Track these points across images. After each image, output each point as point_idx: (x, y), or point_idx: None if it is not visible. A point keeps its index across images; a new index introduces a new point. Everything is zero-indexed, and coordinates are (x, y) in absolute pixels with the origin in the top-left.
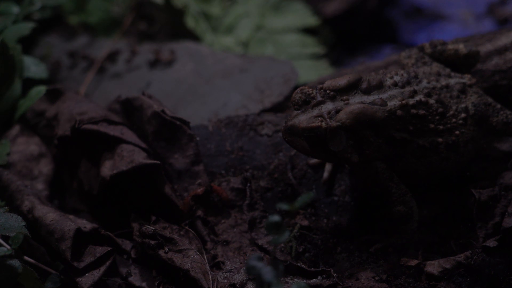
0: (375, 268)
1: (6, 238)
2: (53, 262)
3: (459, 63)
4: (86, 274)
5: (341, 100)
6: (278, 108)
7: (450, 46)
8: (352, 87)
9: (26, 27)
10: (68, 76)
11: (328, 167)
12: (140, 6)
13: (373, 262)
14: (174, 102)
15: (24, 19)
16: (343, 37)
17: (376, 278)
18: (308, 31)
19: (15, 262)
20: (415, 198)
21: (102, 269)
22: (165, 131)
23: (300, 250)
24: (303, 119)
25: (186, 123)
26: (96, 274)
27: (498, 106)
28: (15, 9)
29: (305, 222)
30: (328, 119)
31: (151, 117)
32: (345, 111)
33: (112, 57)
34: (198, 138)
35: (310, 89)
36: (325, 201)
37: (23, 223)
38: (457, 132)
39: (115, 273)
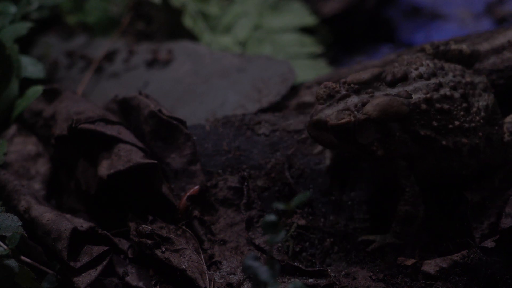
0: (372, 268)
1: (2, 238)
2: (50, 262)
3: (462, 63)
4: (83, 274)
5: (366, 93)
6: (275, 107)
7: (454, 47)
8: (375, 80)
9: (23, 27)
10: (66, 75)
11: (328, 154)
12: (138, 5)
13: (370, 262)
14: (171, 102)
15: (22, 19)
16: (341, 36)
17: (373, 278)
18: (306, 30)
19: (12, 262)
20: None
21: (99, 268)
22: (162, 131)
23: (297, 249)
24: (329, 113)
25: (183, 122)
26: (92, 274)
27: (501, 122)
28: (12, 9)
29: (302, 222)
30: (355, 112)
31: (148, 116)
32: (372, 104)
33: (110, 56)
34: (195, 138)
35: (334, 84)
36: (322, 201)
37: (20, 223)
38: (480, 133)
39: (112, 272)
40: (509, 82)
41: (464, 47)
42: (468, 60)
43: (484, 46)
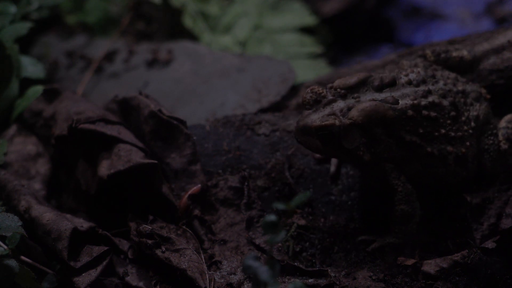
0: (372, 268)
1: (3, 238)
2: (50, 262)
3: (463, 69)
4: (83, 274)
5: (352, 98)
6: (275, 107)
7: (454, 54)
8: (362, 85)
9: (23, 27)
10: (66, 76)
11: (334, 161)
12: (138, 5)
13: (370, 262)
14: (171, 102)
15: (22, 19)
16: (341, 36)
17: (373, 277)
18: (306, 30)
19: (12, 262)
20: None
21: (99, 268)
22: (162, 131)
23: (297, 249)
24: (315, 118)
25: (183, 122)
26: (93, 274)
27: (495, 131)
28: (12, 9)
29: (302, 222)
30: (341, 117)
31: (148, 116)
32: (357, 108)
33: (110, 56)
34: (195, 138)
35: (321, 89)
36: (322, 201)
37: (20, 223)
38: (468, 143)
39: (112, 272)
40: (509, 82)
41: (465, 53)
42: (470, 66)
43: (484, 46)
